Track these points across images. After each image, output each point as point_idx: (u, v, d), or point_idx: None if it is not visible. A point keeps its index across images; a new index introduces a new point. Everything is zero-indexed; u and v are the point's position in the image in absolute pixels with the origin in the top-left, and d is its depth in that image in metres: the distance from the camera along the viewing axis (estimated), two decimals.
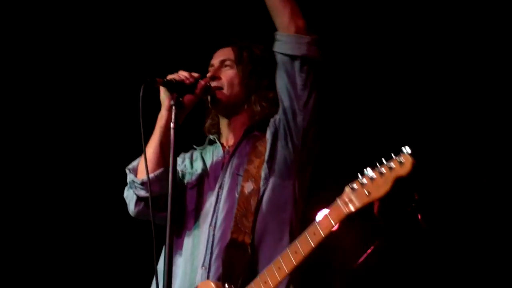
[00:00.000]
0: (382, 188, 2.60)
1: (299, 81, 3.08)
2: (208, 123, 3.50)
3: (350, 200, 2.68)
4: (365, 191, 2.63)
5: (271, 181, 3.14)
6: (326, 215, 2.78)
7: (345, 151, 5.72)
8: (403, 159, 2.58)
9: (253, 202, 3.08)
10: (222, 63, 3.37)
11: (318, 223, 2.78)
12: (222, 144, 3.40)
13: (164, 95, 3.21)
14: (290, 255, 2.83)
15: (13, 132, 5.64)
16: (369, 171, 2.64)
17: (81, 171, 5.85)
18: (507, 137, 5.55)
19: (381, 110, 5.78)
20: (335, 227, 2.77)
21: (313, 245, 2.79)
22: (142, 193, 3.23)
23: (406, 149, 2.59)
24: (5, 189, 5.75)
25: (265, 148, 3.19)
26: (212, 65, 3.39)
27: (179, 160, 3.47)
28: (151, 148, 3.25)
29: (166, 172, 3.11)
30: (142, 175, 3.23)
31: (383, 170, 2.61)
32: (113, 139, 5.55)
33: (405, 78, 5.64)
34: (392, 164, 2.59)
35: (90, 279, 5.91)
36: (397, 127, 5.74)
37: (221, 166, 3.32)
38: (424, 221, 5.49)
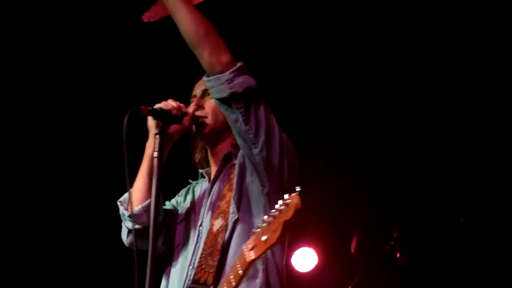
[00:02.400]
0: (275, 233, 2.49)
1: (240, 117, 2.97)
2: (197, 157, 3.46)
3: (253, 247, 2.58)
4: (263, 237, 2.53)
5: (240, 216, 3.03)
6: (235, 263, 2.70)
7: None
8: (289, 201, 2.47)
9: (220, 240, 2.98)
10: (204, 93, 3.34)
11: (231, 269, 2.71)
12: (209, 176, 3.37)
13: (151, 123, 3.18)
14: None
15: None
16: (269, 214, 2.55)
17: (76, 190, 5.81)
18: (483, 175, 5.59)
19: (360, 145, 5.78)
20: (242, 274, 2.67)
21: None
22: (131, 225, 3.17)
23: (296, 189, 2.48)
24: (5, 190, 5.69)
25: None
26: (195, 96, 3.38)
27: (182, 191, 3.45)
28: (141, 177, 3.21)
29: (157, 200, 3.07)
30: (132, 206, 3.18)
31: (276, 213, 2.51)
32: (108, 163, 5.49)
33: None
34: (281, 207, 2.49)
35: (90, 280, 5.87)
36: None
37: (202, 201, 3.29)
38: (403, 258, 5.49)
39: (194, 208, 3.28)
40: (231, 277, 2.69)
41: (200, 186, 3.38)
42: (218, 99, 2.98)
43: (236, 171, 3.11)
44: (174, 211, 3.33)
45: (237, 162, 3.14)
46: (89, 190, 5.73)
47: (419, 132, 5.62)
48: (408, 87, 5.51)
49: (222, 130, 3.23)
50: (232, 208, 3.04)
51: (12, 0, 4.95)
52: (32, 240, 5.84)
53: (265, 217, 2.56)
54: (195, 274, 2.96)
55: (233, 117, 2.99)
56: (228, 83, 2.92)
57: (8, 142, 5.58)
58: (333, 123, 5.76)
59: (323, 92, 5.66)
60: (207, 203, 3.20)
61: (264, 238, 2.52)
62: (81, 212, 5.78)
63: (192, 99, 3.36)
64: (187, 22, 2.96)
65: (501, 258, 5.45)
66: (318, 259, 5.99)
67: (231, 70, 2.92)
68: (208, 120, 3.25)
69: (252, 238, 2.60)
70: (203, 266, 2.97)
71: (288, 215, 2.46)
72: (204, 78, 2.99)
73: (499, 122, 5.41)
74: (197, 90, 3.34)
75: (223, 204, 3.09)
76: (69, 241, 5.85)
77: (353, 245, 5.99)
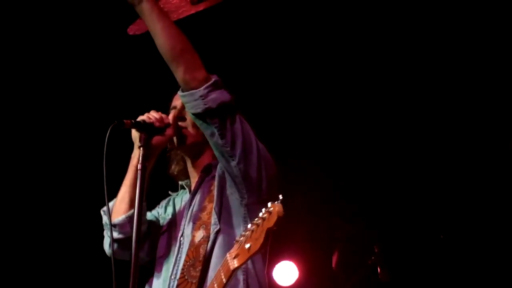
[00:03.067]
0: (258, 241, 2.51)
1: (216, 132, 2.98)
2: (175, 169, 3.45)
3: (236, 256, 2.61)
4: (246, 245, 2.55)
5: (222, 227, 3.05)
6: (219, 269, 2.73)
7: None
8: (272, 209, 2.49)
9: (202, 251, 2.99)
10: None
11: (215, 277, 2.75)
12: (189, 188, 3.37)
13: (135, 135, 3.19)
14: None
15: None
16: (252, 222, 2.57)
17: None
18: (464, 193, 5.62)
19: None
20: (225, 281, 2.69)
21: None
22: (115, 234, 3.17)
23: (279, 197, 2.50)
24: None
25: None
26: (175, 107, 3.38)
27: (163, 202, 3.45)
28: (125, 187, 3.22)
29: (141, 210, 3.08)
30: (115, 216, 3.18)
31: (258, 221, 2.53)
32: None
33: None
34: (264, 215, 2.51)
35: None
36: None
37: (183, 212, 3.29)
38: (384, 274, 5.50)
39: (175, 220, 3.29)
40: (215, 284, 2.72)
41: (181, 198, 3.39)
42: (193, 114, 3.00)
43: (216, 183, 3.13)
44: (156, 222, 3.34)
45: (217, 173, 3.16)
46: (74, 199, 5.72)
47: (401, 148, 5.65)
48: (388, 105, 5.55)
49: (203, 141, 3.23)
50: (214, 219, 3.06)
51: None
52: (13, 253, 5.81)
53: (249, 225, 2.58)
54: (177, 286, 2.97)
55: (209, 131, 3.01)
56: (202, 99, 2.93)
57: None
58: (315, 137, 5.78)
59: (306, 108, 5.68)
60: (187, 215, 3.21)
61: (247, 246, 2.54)
62: (65, 221, 5.76)
63: (172, 110, 3.37)
64: (163, 37, 2.96)
65: (481, 274, 5.48)
66: (299, 273, 5.98)
67: (205, 86, 2.93)
68: (190, 131, 3.26)
69: (236, 246, 2.63)
70: (186, 277, 2.98)
71: (270, 223, 2.48)
72: (179, 93, 3.01)
73: (479, 140, 5.45)
74: (178, 102, 3.35)
75: (204, 215, 3.10)
76: (51, 250, 5.83)
77: (334, 260, 6.00)
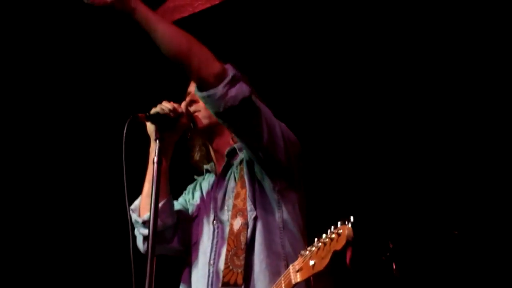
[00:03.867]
0: (324, 261, 2.55)
1: (242, 127, 3.00)
2: (197, 156, 3.46)
3: (300, 269, 2.63)
4: (311, 262, 2.58)
5: (258, 213, 3.06)
6: (280, 279, 2.74)
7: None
8: (341, 231, 2.51)
9: (243, 238, 3.00)
10: None
11: (275, 285, 2.77)
12: (215, 171, 3.37)
13: (150, 128, 3.19)
14: None
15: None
16: (319, 239, 2.59)
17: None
18: (478, 188, 5.59)
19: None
20: None
21: None
22: (146, 232, 3.16)
23: (350, 219, 2.53)
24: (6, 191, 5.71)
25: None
26: (189, 93, 3.38)
27: (189, 188, 3.45)
28: (148, 182, 3.23)
29: (166, 204, 3.08)
30: (144, 212, 3.18)
31: (326, 240, 2.55)
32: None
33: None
34: (333, 235, 2.53)
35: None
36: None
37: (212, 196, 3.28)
38: (398, 271, 5.47)
39: (204, 204, 3.29)
40: None
41: (208, 181, 3.38)
42: (215, 113, 2.98)
43: (245, 169, 3.13)
44: (184, 210, 3.34)
45: (244, 159, 3.14)
46: (94, 197, 5.74)
47: (416, 142, 5.63)
48: (399, 103, 5.54)
49: (218, 125, 3.23)
50: (249, 205, 3.06)
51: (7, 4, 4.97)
52: (28, 251, 5.84)
53: (315, 241, 2.60)
54: (223, 277, 2.97)
55: (232, 128, 2.99)
56: (223, 99, 2.90)
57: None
58: (328, 131, 5.76)
59: (313, 111, 5.67)
60: (218, 199, 3.19)
61: (311, 263, 2.56)
62: (87, 219, 5.77)
63: (187, 96, 3.36)
64: (166, 40, 2.92)
65: (496, 270, 5.45)
66: None
67: (223, 84, 2.89)
68: (203, 114, 3.25)
69: (300, 260, 2.64)
70: (231, 267, 2.98)
71: (339, 245, 2.50)
72: (197, 93, 2.96)
73: (491, 134, 5.42)
74: (192, 87, 3.35)
75: (239, 202, 3.10)
76: (71, 250, 5.87)
77: (348, 256, 5.97)
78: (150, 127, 3.18)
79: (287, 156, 3.06)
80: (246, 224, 3.02)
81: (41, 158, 5.73)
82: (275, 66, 5.50)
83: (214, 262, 3.07)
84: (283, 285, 2.69)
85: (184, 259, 3.24)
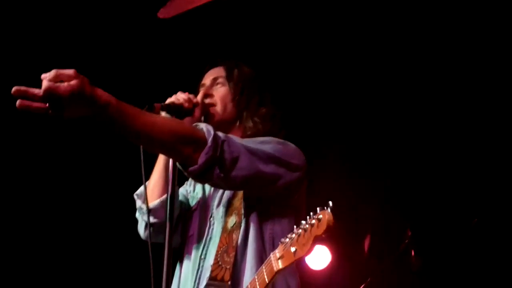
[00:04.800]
0: (305, 247, 2.47)
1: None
2: None
3: (281, 257, 2.58)
4: (292, 248, 2.52)
5: (253, 213, 3.04)
6: (261, 268, 2.70)
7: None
8: (321, 216, 2.42)
9: (235, 236, 2.98)
10: (214, 81, 3.34)
11: (257, 275, 2.72)
12: None
13: None
14: None
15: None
16: (299, 226, 2.52)
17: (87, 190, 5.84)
18: (497, 176, 5.56)
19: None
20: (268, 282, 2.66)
21: None
22: (150, 220, 3.18)
23: (328, 204, 2.42)
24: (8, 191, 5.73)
25: None
26: (204, 84, 3.37)
27: (186, 183, 3.44)
28: (157, 172, 3.23)
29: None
30: (150, 200, 3.19)
31: (306, 226, 2.48)
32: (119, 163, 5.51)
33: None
34: (313, 221, 2.45)
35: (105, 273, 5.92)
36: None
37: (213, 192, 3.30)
38: (417, 258, 5.47)
39: (204, 199, 3.29)
40: (257, 283, 2.71)
41: None
42: None
43: None
44: (185, 202, 3.34)
45: None
46: (104, 185, 5.76)
47: (433, 130, 5.60)
48: (420, 92, 5.50)
49: (231, 120, 3.24)
50: (244, 206, 3.04)
51: None
52: (53, 229, 5.87)
53: (295, 228, 2.54)
54: (211, 271, 2.96)
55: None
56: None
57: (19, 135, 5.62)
58: (348, 124, 5.76)
59: (336, 94, 5.66)
60: (216, 196, 3.21)
61: (293, 249, 2.52)
62: (96, 206, 5.81)
63: (201, 88, 3.36)
64: (149, 136, 2.60)
65: None
66: (332, 257, 5.98)
67: (202, 163, 2.69)
68: (217, 109, 3.25)
69: (281, 247, 2.60)
70: (220, 263, 2.97)
71: (320, 231, 2.42)
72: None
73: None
74: (207, 79, 3.35)
75: (236, 201, 3.09)
76: (81, 236, 5.89)
77: (366, 244, 5.98)
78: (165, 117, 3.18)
79: (288, 188, 3.06)
80: (240, 224, 3.01)
81: (54, 148, 5.74)
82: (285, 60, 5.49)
83: (204, 257, 3.08)
84: (264, 273, 2.66)
85: (178, 250, 3.24)
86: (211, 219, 3.16)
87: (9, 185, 5.71)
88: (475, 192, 5.64)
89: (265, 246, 3.01)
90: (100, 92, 2.40)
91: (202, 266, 3.05)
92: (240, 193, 3.08)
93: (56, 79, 2.30)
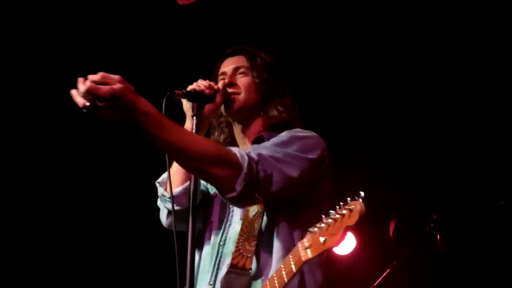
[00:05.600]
0: (335, 237, 2.47)
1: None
2: (220, 137, 3.42)
3: (309, 246, 2.57)
4: (321, 238, 2.51)
5: (274, 205, 3.02)
6: (288, 257, 2.68)
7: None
8: (353, 206, 2.42)
9: (256, 225, 2.98)
10: (236, 71, 3.30)
11: (284, 264, 2.69)
12: None
13: (186, 106, 3.17)
14: None
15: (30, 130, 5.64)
16: (328, 216, 2.51)
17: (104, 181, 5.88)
18: None
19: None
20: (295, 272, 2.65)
21: None
22: (171, 206, 3.17)
23: (360, 195, 2.43)
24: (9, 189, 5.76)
25: None
26: (225, 73, 3.33)
27: None
28: None
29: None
30: (172, 188, 3.17)
31: (336, 216, 2.47)
32: (139, 153, 5.51)
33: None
34: (343, 211, 2.45)
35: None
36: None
37: None
38: (443, 242, 5.44)
39: None
40: (283, 272, 2.68)
41: None
42: None
43: None
44: (205, 190, 3.33)
45: None
46: (123, 174, 5.78)
47: (456, 113, 5.56)
48: (436, 78, 5.49)
49: (253, 108, 3.22)
50: None
51: None
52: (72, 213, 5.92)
53: (323, 217, 2.53)
54: (232, 259, 2.96)
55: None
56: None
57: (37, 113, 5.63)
58: (370, 112, 5.74)
59: (357, 84, 5.65)
60: None
61: (322, 239, 2.50)
62: (118, 194, 5.83)
63: (220, 76, 3.33)
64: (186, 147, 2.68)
65: None
66: (356, 242, 5.97)
67: (239, 189, 2.74)
68: (240, 97, 3.23)
69: (309, 236, 2.59)
70: (241, 251, 2.97)
71: (352, 221, 2.42)
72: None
73: None
74: (228, 68, 3.31)
75: None
76: (104, 227, 5.94)
77: (391, 228, 5.95)
78: (186, 105, 3.15)
79: (316, 180, 3.05)
80: (262, 213, 3.00)
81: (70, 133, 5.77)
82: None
83: (224, 243, 3.08)
84: (292, 262, 2.64)
85: (197, 236, 3.23)
86: (231, 206, 3.15)
87: (34, 176, 5.75)
88: (501, 175, 5.59)
89: (292, 235, 3.00)
90: (142, 101, 2.52)
91: (221, 252, 3.06)
92: None
93: (102, 81, 2.45)
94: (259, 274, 2.93)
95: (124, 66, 5.20)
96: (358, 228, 2.46)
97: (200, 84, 3.11)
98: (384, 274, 5.38)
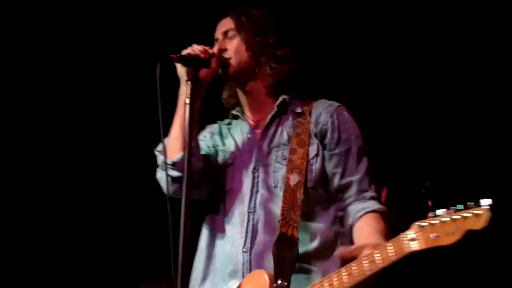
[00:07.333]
0: (452, 236, 2.49)
1: None
2: (225, 94, 3.45)
3: (415, 239, 2.57)
4: (433, 234, 2.53)
5: (315, 184, 3.16)
6: (383, 244, 2.66)
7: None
8: (481, 212, 2.46)
9: (299, 195, 3.03)
10: (225, 34, 3.34)
11: (379, 249, 2.66)
12: (244, 116, 3.36)
13: (181, 71, 3.16)
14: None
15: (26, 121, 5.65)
16: (442, 213, 2.55)
17: (99, 156, 5.92)
18: None
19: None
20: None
21: (367, 274, 2.68)
22: (175, 173, 3.16)
23: (486, 202, 2.48)
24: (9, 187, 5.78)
25: (308, 137, 3.16)
26: (217, 39, 3.35)
27: (206, 133, 3.43)
28: (177, 125, 3.21)
29: (196, 147, 3.08)
30: (172, 155, 3.17)
31: (457, 217, 2.50)
32: (132, 122, 5.50)
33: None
34: (468, 214, 2.48)
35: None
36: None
37: (252, 144, 3.28)
38: (434, 208, 5.45)
39: (240, 152, 3.27)
40: (377, 256, 2.65)
41: (239, 129, 3.35)
42: None
43: (313, 136, 3.18)
44: (215, 156, 3.32)
45: (315, 128, 3.19)
46: (121, 144, 5.77)
47: (449, 82, 5.57)
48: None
49: (249, 70, 3.24)
50: (310, 170, 3.15)
51: None
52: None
53: (440, 212, 2.57)
54: (280, 227, 2.98)
55: None
56: None
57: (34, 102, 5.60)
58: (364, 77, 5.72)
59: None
60: (263, 148, 3.18)
61: (433, 236, 2.52)
62: (115, 163, 5.82)
63: (216, 42, 3.33)
64: None
65: None
66: None
67: None
68: (232, 62, 3.23)
69: (416, 228, 2.59)
70: (287, 220, 3.01)
71: (478, 225, 2.45)
72: None
73: None
74: (218, 33, 3.34)
75: (295, 159, 3.11)
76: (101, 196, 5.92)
77: (383, 195, 5.96)
78: (181, 70, 3.15)
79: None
80: (303, 183, 3.06)
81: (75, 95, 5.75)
82: None
83: (253, 210, 3.08)
84: (391, 250, 2.61)
85: (212, 205, 3.23)
86: (255, 172, 3.15)
87: (32, 165, 5.73)
88: (490, 142, 5.62)
89: (329, 209, 3.15)
90: None
91: (253, 219, 3.06)
92: (300, 152, 3.13)
93: None
94: (303, 244, 2.99)
95: (120, 30, 5.29)
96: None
97: (195, 48, 3.11)
98: None
